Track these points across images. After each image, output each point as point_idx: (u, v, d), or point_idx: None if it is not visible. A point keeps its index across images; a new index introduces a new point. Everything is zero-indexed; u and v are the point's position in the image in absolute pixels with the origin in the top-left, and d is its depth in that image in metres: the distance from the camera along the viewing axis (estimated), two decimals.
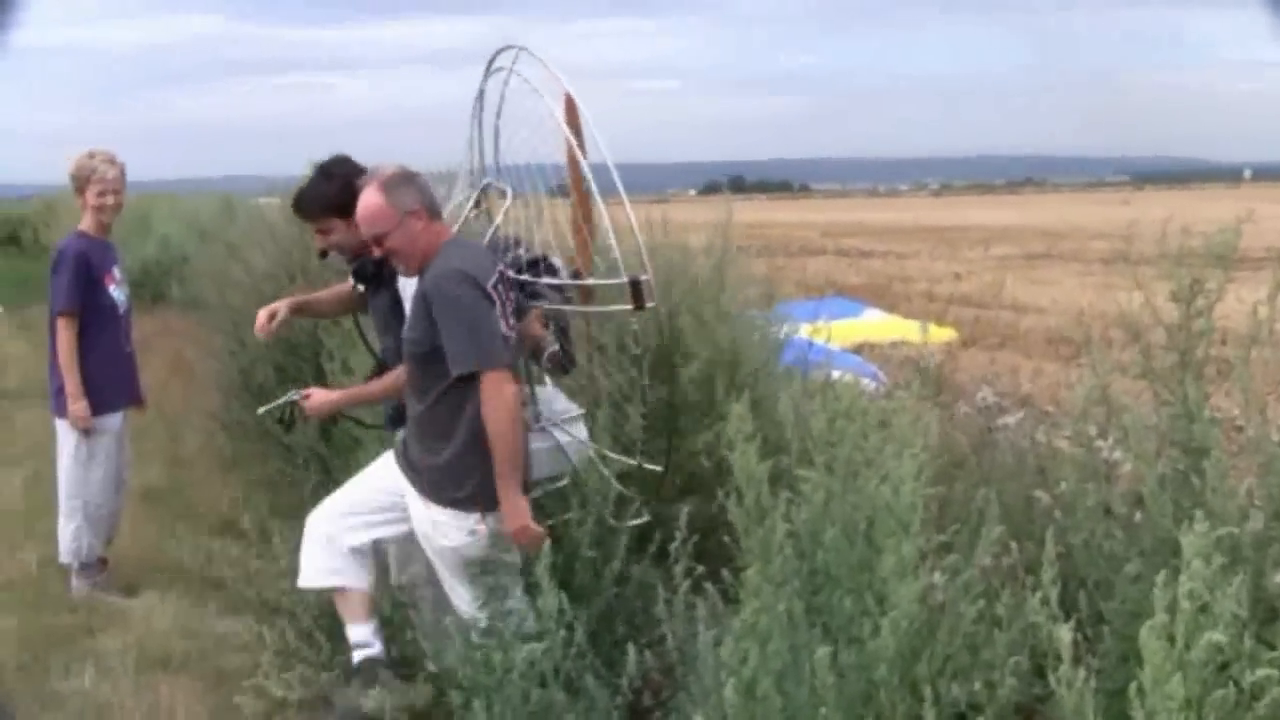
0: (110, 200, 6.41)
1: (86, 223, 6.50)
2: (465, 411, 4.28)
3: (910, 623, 3.03)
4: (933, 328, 14.98)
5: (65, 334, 6.31)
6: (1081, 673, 2.61)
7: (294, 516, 5.55)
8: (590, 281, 4.85)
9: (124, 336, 6.63)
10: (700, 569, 3.93)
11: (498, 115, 4.88)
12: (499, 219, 4.83)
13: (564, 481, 4.81)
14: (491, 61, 4.81)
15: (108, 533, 6.77)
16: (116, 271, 6.59)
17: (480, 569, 4.37)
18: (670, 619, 3.95)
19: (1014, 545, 3.32)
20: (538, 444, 4.78)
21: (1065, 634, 2.63)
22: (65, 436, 6.47)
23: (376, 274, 4.88)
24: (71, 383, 6.30)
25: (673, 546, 3.98)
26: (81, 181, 6.43)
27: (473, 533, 4.33)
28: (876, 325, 13.88)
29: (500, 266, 4.41)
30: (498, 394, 4.18)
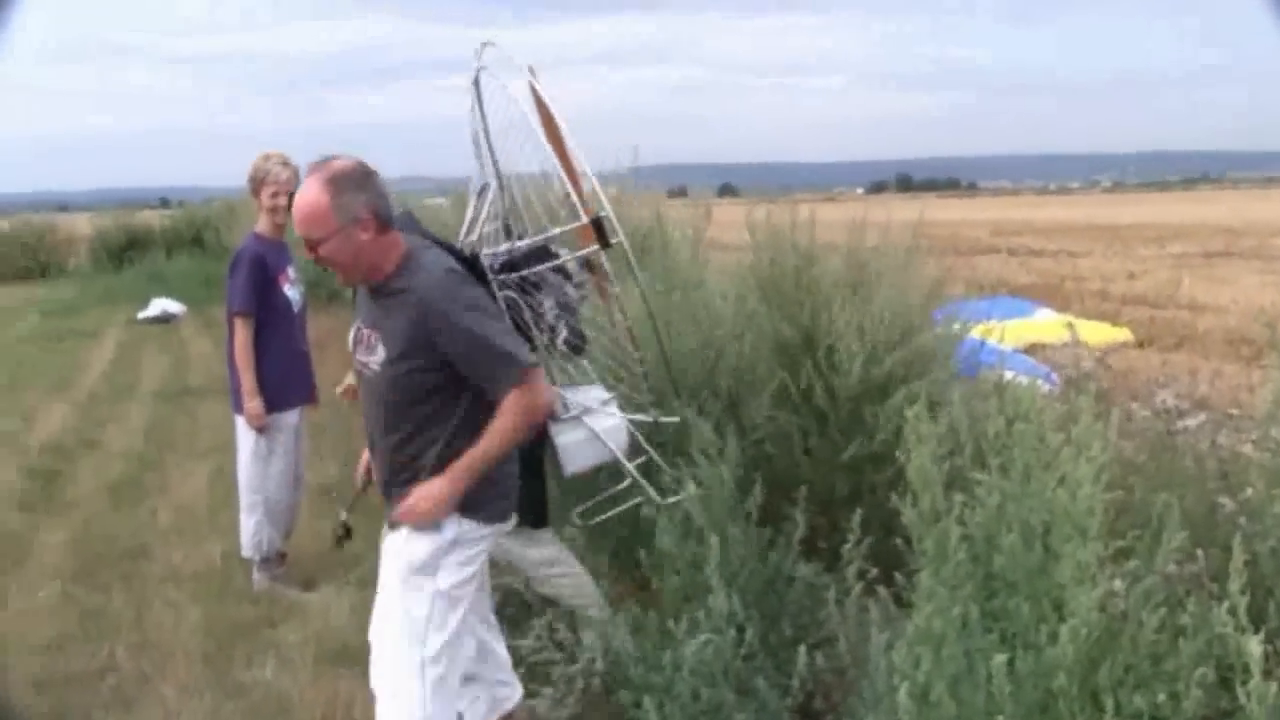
0: (283, 201, 6.53)
1: (261, 224, 6.67)
2: (454, 417, 3.95)
3: (1090, 630, 2.97)
4: (1107, 328, 14.70)
5: (241, 334, 6.47)
6: (1273, 687, 2.54)
7: None
8: (556, 230, 4.97)
9: (299, 335, 6.77)
10: (872, 571, 3.90)
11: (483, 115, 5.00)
12: (481, 210, 4.89)
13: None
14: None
15: (286, 527, 6.93)
16: (291, 271, 6.73)
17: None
18: (842, 621, 3.93)
19: (1199, 553, 3.23)
20: (568, 436, 4.82)
21: (1255, 646, 2.56)
22: (244, 433, 6.64)
23: None
24: (247, 381, 6.46)
25: (845, 549, 3.96)
26: (256, 183, 6.59)
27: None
28: (1048, 325, 13.61)
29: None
30: (541, 392, 3.94)
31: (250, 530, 6.73)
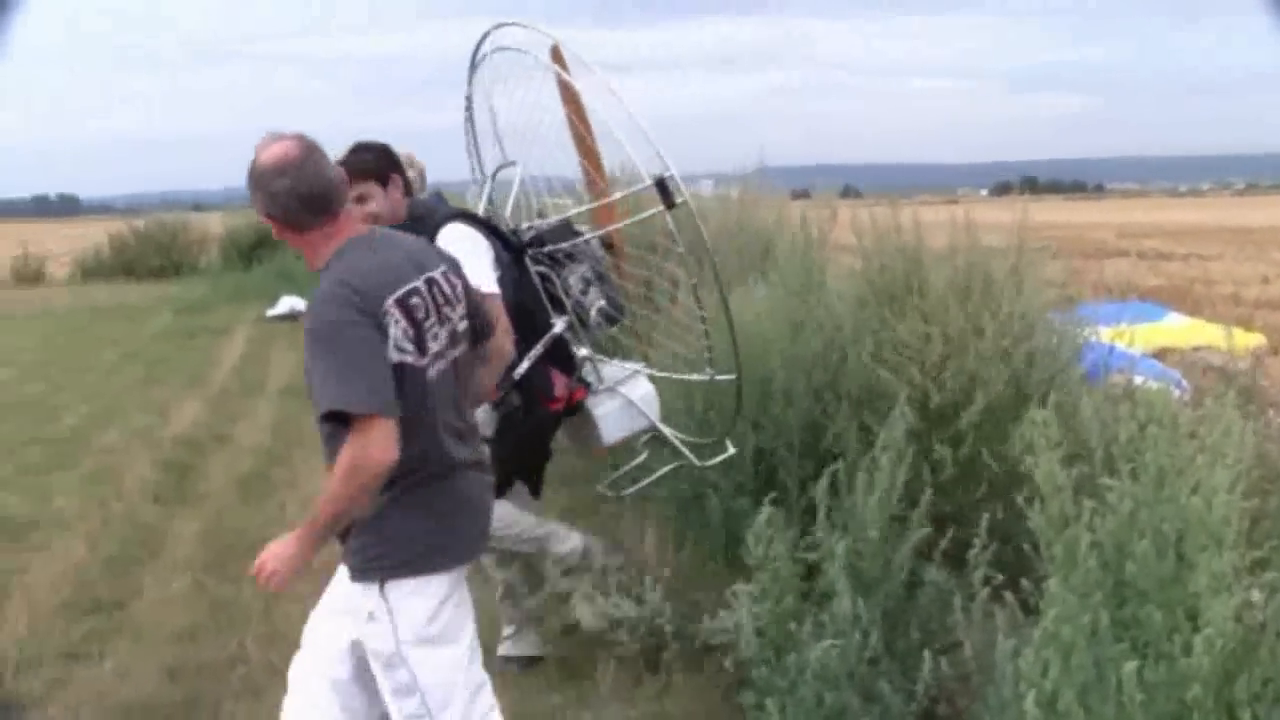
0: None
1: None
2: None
3: (1226, 642, 2.92)
4: (1240, 333, 14.37)
5: None
6: None
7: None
8: (618, 195, 5.36)
9: None
10: (999, 577, 3.86)
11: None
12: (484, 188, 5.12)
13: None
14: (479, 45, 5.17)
15: None
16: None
17: None
18: (968, 627, 3.89)
19: None
20: (605, 407, 4.88)
21: None
22: None
23: None
24: None
25: (971, 554, 3.93)
26: None
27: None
28: (1179, 330, 13.35)
29: (433, 272, 3.57)
30: (374, 445, 3.24)
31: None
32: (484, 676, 3.73)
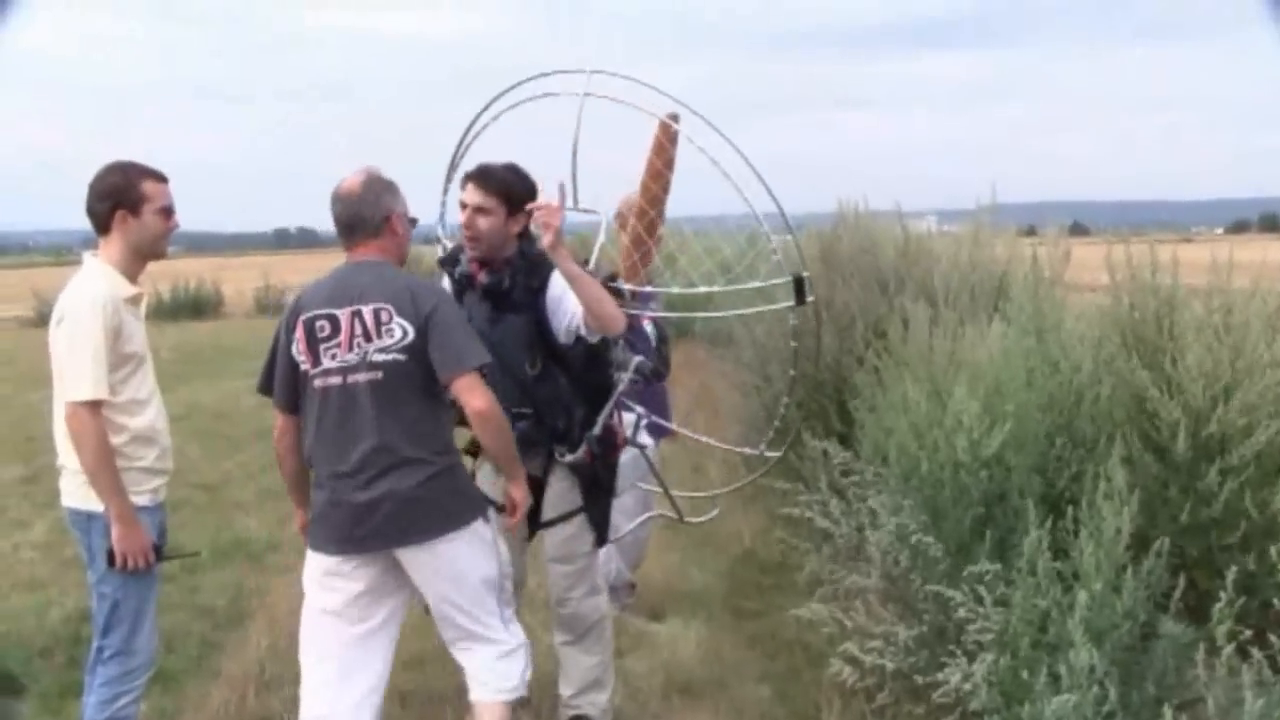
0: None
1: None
2: None
3: None
4: None
5: None
6: None
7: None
8: (756, 284, 5.71)
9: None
10: (1245, 632, 3.71)
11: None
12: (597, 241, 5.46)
13: None
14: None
15: (636, 558, 7.05)
16: (653, 306, 6.83)
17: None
18: (1210, 683, 3.74)
19: None
20: (623, 456, 5.16)
21: None
22: None
23: (509, 290, 4.85)
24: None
25: (1216, 607, 3.78)
26: (622, 219, 6.72)
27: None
28: None
29: (303, 314, 4.23)
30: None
31: (600, 559, 6.86)
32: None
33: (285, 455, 4.44)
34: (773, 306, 5.85)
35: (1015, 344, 5.48)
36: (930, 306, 6.39)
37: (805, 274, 5.09)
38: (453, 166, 5.80)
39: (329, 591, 4.31)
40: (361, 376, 4.16)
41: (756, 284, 5.82)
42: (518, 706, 5.28)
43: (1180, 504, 4.74)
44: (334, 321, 4.17)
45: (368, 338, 4.15)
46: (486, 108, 5.78)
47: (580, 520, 4.95)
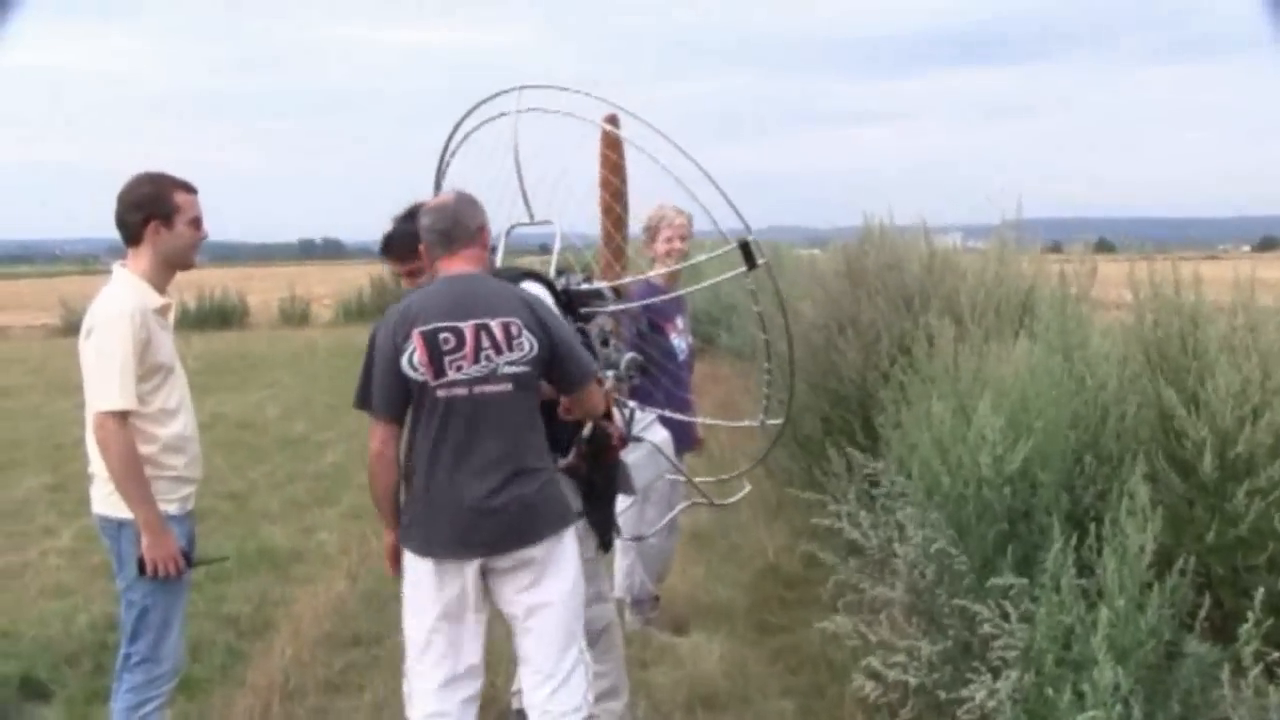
0: (679, 246, 6.71)
1: (657, 270, 6.77)
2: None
3: None
4: None
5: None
6: None
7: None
8: (703, 257, 6.26)
9: (684, 383, 6.87)
10: (1273, 653, 3.71)
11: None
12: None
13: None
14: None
15: (660, 571, 7.07)
16: (679, 321, 6.85)
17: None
18: (1237, 704, 3.74)
19: None
20: (634, 454, 5.17)
21: None
22: None
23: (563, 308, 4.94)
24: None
25: (1243, 628, 3.77)
26: (652, 232, 6.74)
27: None
28: None
29: (420, 327, 4.31)
30: (369, 439, 4.43)
31: (623, 571, 6.88)
32: None
33: (384, 470, 4.44)
34: (724, 276, 6.11)
35: (1041, 361, 5.48)
36: (955, 323, 6.37)
37: (750, 237, 5.22)
38: (437, 187, 5.97)
39: (439, 593, 4.38)
40: (490, 388, 4.29)
41: (704, 257, 6.03)
42: None
43: (1206, 523, 4.73)
44: (458, 334, 4.27)
45: (497, 350, 4.29)
46: (447, 143, 6.04)
47: (581, 525, 4.97)
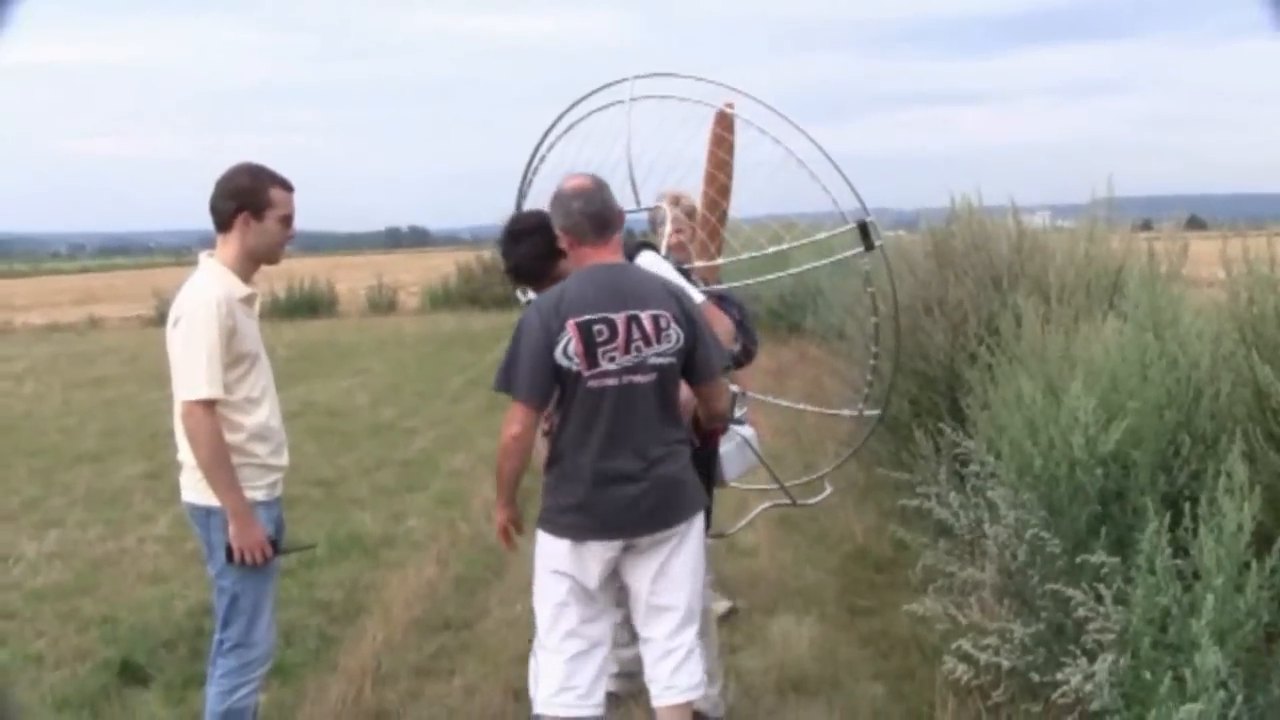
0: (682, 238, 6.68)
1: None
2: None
3: None
4: None
5: None
6: None
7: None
8: (823, 235, 6.19)
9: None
10: None
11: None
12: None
13: None
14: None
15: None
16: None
17: None
18: None
19: None
20: (726, 446, 5.27)
21: None
22: None
23: None
24: None
25: None
26: (655, 225, 6.69)
27: None
28: None
29: (575, 317, 4.31)
30: (508, 424, 4.46)
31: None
32: None
33: (520, 453, 4.52)
34: (841, 255, 6.19)
35: (1132, 340, 5.40)
36: (1044, 302, 6.29)
37: (870, 218, 5.35)
38: (524, 183, 6.15)
39: (573, 571, 4.45)
40: (639, 378, 4.36)
41: (822, 235, 6.32)
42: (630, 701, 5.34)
43: None
44: (610, 325, 4.34)
45: (647, 342, 4.37)
46: (547, 133, 6.13)
47: None
